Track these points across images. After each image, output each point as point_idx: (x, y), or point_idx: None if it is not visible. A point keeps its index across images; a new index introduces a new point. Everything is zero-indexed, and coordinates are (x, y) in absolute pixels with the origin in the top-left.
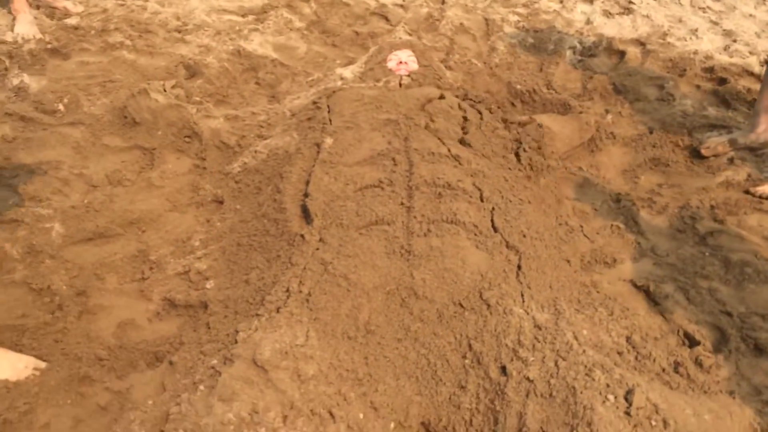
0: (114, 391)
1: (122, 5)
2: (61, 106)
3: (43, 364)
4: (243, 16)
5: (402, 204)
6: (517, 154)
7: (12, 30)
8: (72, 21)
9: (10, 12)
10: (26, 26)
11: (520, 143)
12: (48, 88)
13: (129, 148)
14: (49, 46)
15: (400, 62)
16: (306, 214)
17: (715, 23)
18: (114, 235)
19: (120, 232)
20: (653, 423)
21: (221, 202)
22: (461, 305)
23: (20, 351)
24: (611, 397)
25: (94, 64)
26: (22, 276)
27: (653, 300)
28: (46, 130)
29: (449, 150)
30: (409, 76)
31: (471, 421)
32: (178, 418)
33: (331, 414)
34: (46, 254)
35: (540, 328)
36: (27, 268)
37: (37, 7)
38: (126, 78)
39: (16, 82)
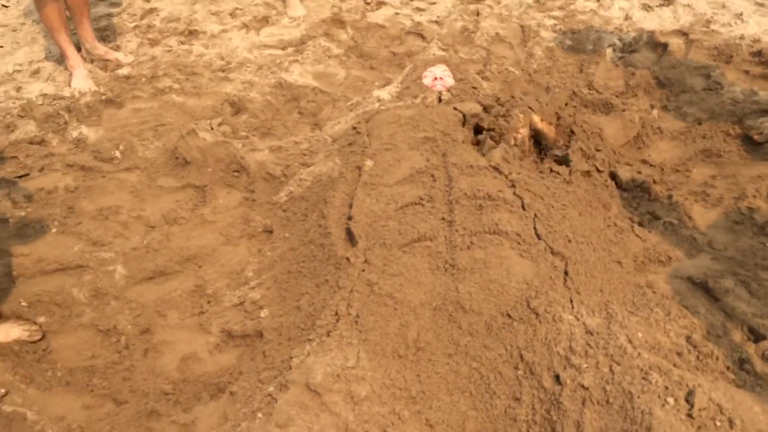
0: (180, 424)
1: (169, 51)
2: (117, 153)
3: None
4: (283, 48)
5: (443, 219)
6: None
7: (69, 85)
8: (124, 71)
9: (66, 68)
10: (82, 80)
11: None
12: (105, 137)
13: (182, 187)
14: (103, 97)
15: (435, 78)
16: (350, 237)
17: (761, 4)
18: (173, 273)
19: (178, 269)
20: (718, 423)
21: (271, 232)
22: (509, 316)
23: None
24: (671, 400)
25: (146, 110)
26: (89, 318)
27: (713, 296)
28: (105, 177)
29: (488, 162)
30: (448, 91)
31: None
32: None
33: None
34: (111, 296)
35: (592, 334)
36: (94, 311)
37: (91, 61)
38: (176, 120)
39: (75, 134)
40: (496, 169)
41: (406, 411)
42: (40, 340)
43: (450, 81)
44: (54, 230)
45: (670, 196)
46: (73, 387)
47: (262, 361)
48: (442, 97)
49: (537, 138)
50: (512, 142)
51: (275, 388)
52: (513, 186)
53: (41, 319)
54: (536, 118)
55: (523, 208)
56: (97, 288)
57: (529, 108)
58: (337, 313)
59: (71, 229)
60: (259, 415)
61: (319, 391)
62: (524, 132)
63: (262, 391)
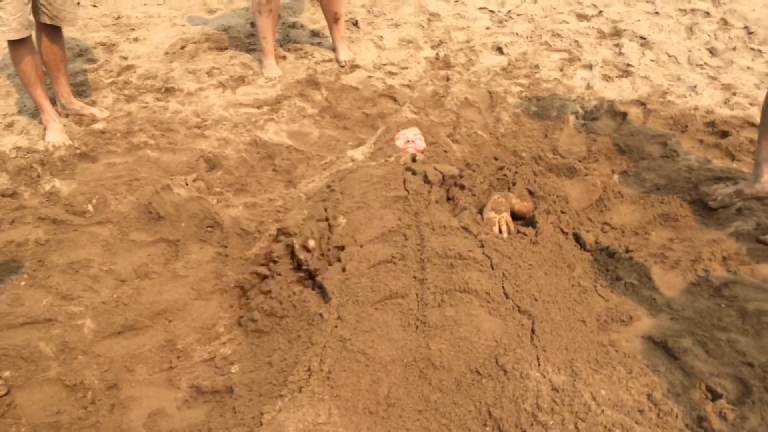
0: None
1: (145, 107)
2: (90, 207)
3: None
4: (258, 107)
5: (415, 277)
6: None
7: (43, 139)
8: (99, 126)
9: (41, 122)
10: (56, 134)
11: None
12: (78, 191)
13: (155, 242)
14: (78, 151)
15: (408, 141)
16: (323, 293)
17: (714, 78)
18: (142, 327)
19: (148, 323)
20: None
21: (243, 287)
22: (478, 372)
23: None
24: None
25: (120, 165)
26: (56, 373)
27: (672, 355)
28: (77, 231)
29: (459, 222)
30: (422, 153)
31: None
32: None
33: None
34: (79, 350)
35: (558, 391)
36: (61, 365)
37: (66, 116)
38: (150, 175)
39: (48, 187)
40: (466, 229)
41: None
42: (5, 395)
43: (422, 144)
44: (23, 283)
45: (630, 258)
46: None
47: (232, 418)
48: (417, 159)
49: (514, 214)
50: (498, 229)
51: None
52: (482, 246)
53: (6, 374)
54: (515, 201)
55: (492, 268)
56: (64, 342)
57: (508, 193)
58: (309, 369)
59: (40, 282)
60: None
61: None
62: (507, 216)
63: None
